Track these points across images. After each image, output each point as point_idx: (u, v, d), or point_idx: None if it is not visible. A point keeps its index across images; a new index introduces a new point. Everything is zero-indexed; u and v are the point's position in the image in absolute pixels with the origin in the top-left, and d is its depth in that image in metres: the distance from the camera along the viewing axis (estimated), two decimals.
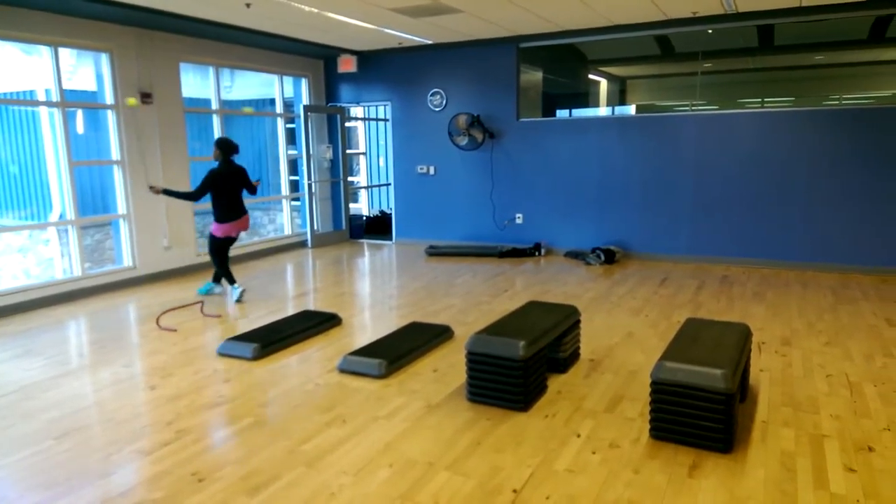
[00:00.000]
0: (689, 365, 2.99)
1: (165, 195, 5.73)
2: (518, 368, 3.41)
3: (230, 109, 11.67)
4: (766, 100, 7.61)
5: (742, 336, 3.40)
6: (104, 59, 6.53)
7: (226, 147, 5.85)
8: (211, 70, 7.83)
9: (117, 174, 6.75)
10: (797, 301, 5.70)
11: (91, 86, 7.04)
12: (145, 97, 6.82)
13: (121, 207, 6.80)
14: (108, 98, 6.60)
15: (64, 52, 6.25)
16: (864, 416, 3.33)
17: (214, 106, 7.92)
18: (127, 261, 6.89)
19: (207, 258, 7.77)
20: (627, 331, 4.91)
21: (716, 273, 6.97)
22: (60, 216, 6.90)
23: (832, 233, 6.88)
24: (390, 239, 9.56)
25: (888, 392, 3.65)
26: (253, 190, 6.09)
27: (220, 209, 5.86)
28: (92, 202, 10.97)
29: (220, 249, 6.02)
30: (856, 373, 3.96)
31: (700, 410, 2.95)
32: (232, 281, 6.11)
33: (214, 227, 5.92)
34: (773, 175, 7.04)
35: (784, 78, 7.71)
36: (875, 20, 6.66)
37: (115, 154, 6.69)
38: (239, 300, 5.99)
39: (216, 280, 6.30)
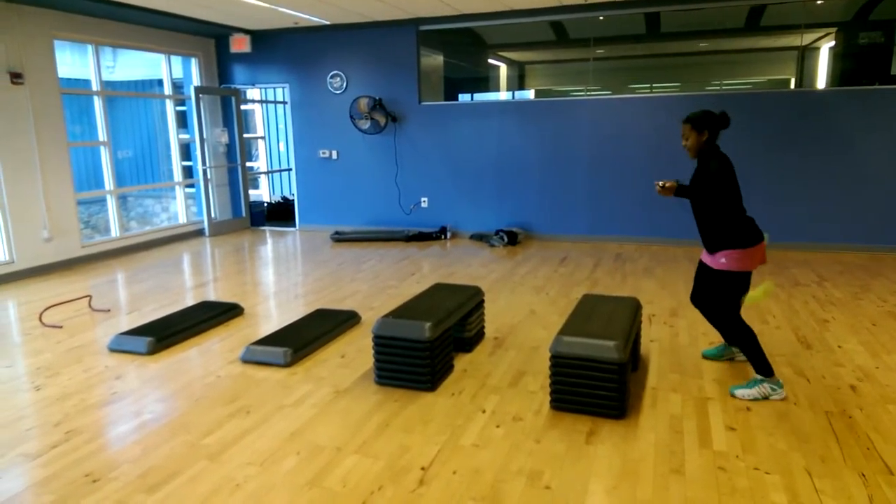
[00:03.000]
0: (584, 338, 3.13)
1: (678, 196, 3.49)
2: (424, 350, 3.45)
3: (113, 91, 10.98)
4: (654, 85, 8.00)
5: (633, 309, 3.60)
6: None
7: (719, 122, 3.41)
8: (90, 48, 7.31)
9: None
10: (684, 275, 6.08)
11: None
12: (15, 77, 6.28)
13: None
14: None
15: None
16: (742, 379, 3.61)
17: (95, 87, 7.42)
18: (2, 255, 6.37)
19: (93, 249, 7.32)
20: (529, 309, 5.07)
21: (611, 251, 7.30)
22: None
23: None
24: (294, 226, 9.35)
25: None
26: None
27: (739, 223, 3.41)
28: None
29: (736, 299, 3.47)
30: None
31: (595, 380, 3.10)
32: (765, 371, 3.41)
33: (731, 257, 3.39)
34: (661, 156, 7.43)
35: (670, 64, 8.13)
36: (750, 10, 7.14)
37: None
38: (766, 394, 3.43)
39: (765, 371, 3.43)
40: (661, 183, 3.45)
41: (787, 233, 7.13)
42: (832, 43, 7.06)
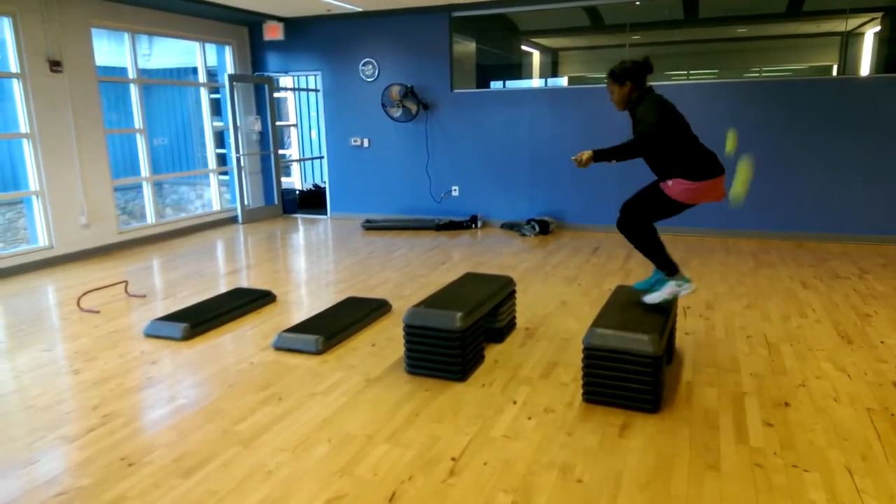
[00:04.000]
0: (618, 331, 3.08)
1: (599, 161, 3.26)
2: (455, 339, 3.43)
3: (149, 78, 11.13)
4: (691, 72, 7.82)
5: (668, 302, 3.52)
6: (6, 23, 6.07)
7: (640, 71, 3.37)
8: (126, 36, 7.41)
9: (27, 148, 6.34)
10: (720, 266, 5.95)
11: None
12: (54, 65, 6.40)
13: (32, 183, 6.40)
14: (13, 66, 6.16)
15: None
16: (780, 374, 3.53)
17: (131, 75, 7.52)
18: (42, 240, 6.52)
19: (130, 235, 7.46)
20: (561, 299, 5.02)
21: None
22: None
23: (752, 200, 7.18)
24: (325, 213, 9.40)
25: (803, 350, 3.87)
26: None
27: (693, 156, 3.26)
28: (1, 178, 10.29)
29: (657, 218, 3.43)
30: (773, 333, 4.18)
31: (629, 374, 3.06)
32: (670, 270, 3.44)
33: (680, 185, 3.27)
34: None
35: (708, 50, 7.94)
36: None
37: (23, 127, 6.27)
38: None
39: (669, 269, 3.43)
40: (575, 157, 3.29)
41: (827, 224, 6.93)
42: (877, 28, 6.81)
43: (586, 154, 3.25)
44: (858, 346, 3.92)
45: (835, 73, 7.08)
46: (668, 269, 3.37)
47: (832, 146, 6.80)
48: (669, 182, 3.31)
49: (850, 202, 6.83)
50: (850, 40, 6.94)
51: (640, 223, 3.39)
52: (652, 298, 3.40)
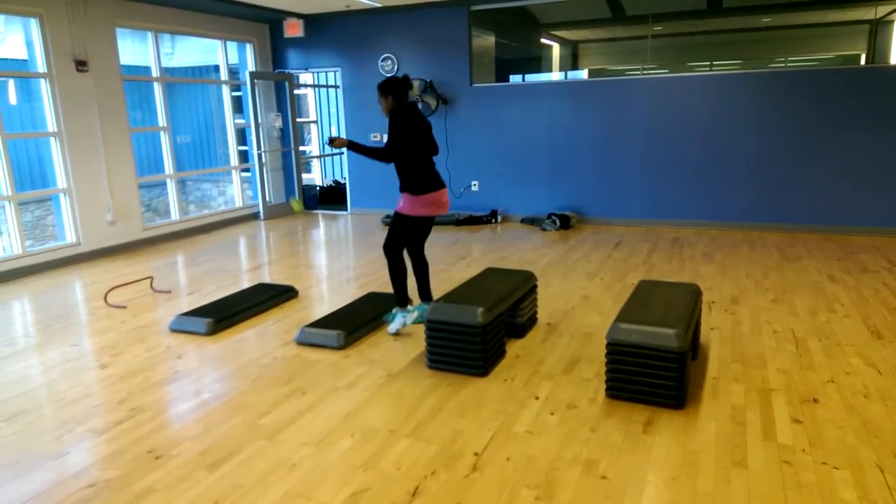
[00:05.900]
0: (642, 326, 3.05)
1: (351, 150, 4.01)
2: (477, 335, 3.42)
3: (172, 77, 11.25)
4: (714, 63, 7.70)
5: (693, 296, 3.48)
6: (33, 24, 6.17)
7: (400, 88, 3.93)
8: (150, 35, 7.49)
9: (55, 146, 6.44)
10: (745, 260, 5.87)
11: (22, 54, 6.65)
12: (80, 65, 6.49)
13: (60, 181, 6.51)
14: (41, 66, 6.26)
15: None
16: (808, 370, 3.47)
17: (155, 73, 7.60)
18: (70, 237, 6.63)
19: (154, 232, 7.55)
20: (583, 294, 4.98)
21: (667, 235, 7.11)
22: None
23: (778, 193, 7.07)
24: (345, 209, 9.43)
25: (831, 346, 3.80)
26: (436, 150, 4.12)
27: (415, 172, 3.94)
28: (30, 177, 10.49)
29: (408, 238, 4.12)
30: (801, 328, 4.11)
31: (654, 369, 3.02)
32: (405, 301, 4.17)
33: (406, 200, 3.98)
34: (721, 137, 7.17)
35: (732, 41, 7.81)
36: None
37: (51, 126, 6.38)
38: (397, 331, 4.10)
39: (399, 302, 4.18)
40: (334, 138, 3.95)
41: (856, 216, 6.80)
42: None
43: (343, 141, 3.95)
44: (889, 342, 3.84)
45: (863, 62, 6.93)
46: (398, 301, 4.12)
47: (860, 136, 6.66)
48: (401, 202, 4.00)
49: (879, 194, 6.69)
50: (879, 28, 6.79)
51: (396, 252, 4.07)
52: (391, 329, 4.09)
